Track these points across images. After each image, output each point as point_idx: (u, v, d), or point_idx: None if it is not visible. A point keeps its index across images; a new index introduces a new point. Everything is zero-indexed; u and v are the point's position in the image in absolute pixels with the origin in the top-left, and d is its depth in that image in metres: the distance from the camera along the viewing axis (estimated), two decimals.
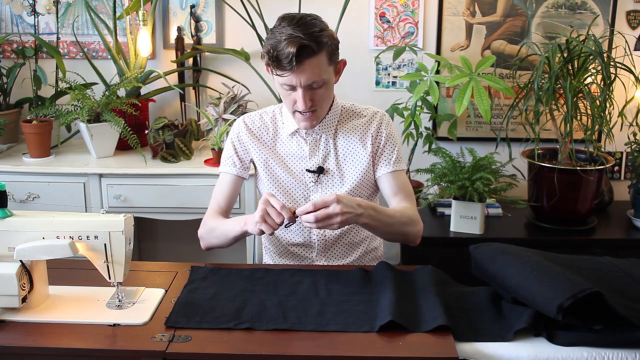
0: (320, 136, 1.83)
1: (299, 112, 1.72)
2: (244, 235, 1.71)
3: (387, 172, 1.84)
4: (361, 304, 1.48)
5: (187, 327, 1.38)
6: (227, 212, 1.90)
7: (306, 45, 1.60)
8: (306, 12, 1.73)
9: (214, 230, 1.80)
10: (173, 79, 2.96)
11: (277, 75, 1.66)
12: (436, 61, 2.74)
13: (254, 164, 1.91)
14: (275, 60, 1.63)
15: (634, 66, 2.51)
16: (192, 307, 1.46)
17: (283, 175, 1.83)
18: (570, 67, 2.47)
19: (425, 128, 2.90)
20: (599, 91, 2.48)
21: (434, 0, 2.89)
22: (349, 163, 1.83)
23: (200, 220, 2.67)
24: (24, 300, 1.43)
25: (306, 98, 1.68)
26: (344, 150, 1.83)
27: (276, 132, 1.86)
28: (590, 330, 1.38)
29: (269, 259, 1.96)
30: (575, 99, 2.45)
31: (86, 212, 2.62)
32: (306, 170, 1.82)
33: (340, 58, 1.75)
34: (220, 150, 2.61)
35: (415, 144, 2.78)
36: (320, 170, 1.81)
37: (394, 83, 2.99)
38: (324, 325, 1.39)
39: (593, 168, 2.52)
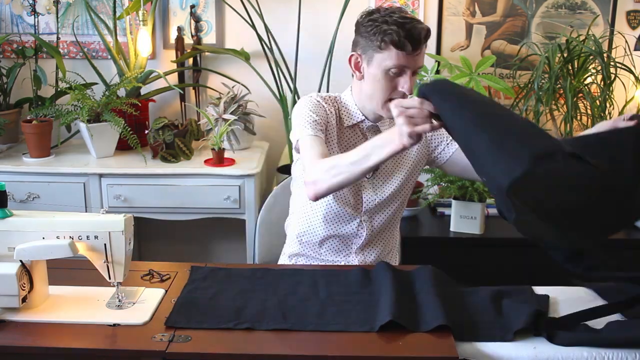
0: (379, 133, 1.80)
1: (394, 98, 1.67)
2: (396, 154, 1.49)
3: (456, 148, 1.84)
4: (361, 304, 1.48)
5: (187, 327, 1.38)
6: None
7: (429, 30, 1.68)
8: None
9: (337, 166, 1.57)
10: (173, 79, 2.96)
11: (404, 54, 1.64)
12: (436, 61, 2.74)
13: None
14: (407, 37, 1.63)
15: (634, 66, 2.51)
16: (192, 307, 1.46)
17: None
18: (570, 67, 2.47)
19: None
20: (599, 91, 2.48)
21: (434, 0, 2.89)
22: (399, 161, 1.85)
23: (200, 220, 2.70)
24: (24, 300, 1.43)
25: (412, 82, 1.70)
26: None
27: (339, 120, 1.83)
28: (591, 330, 1.39)
29: (298, 247, 1.91)
30: (575, 99, 2.45)
31: (86, 212, 2.62)
32: None
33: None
34: (221, 150, 2.61)
35: None
36: (375, 168, 1.79)
37: None
38: (324, 325, 1.39)
39: None
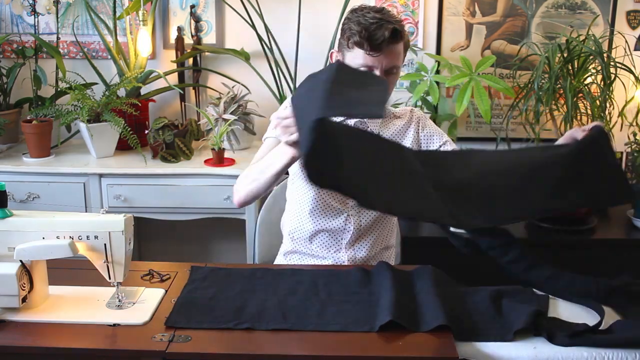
0: (367, 127, 1.85)
1: None
2: (288, 166, 1.59)
3: (449, 145, 1.89)
4: (361, 303, 1.48)
5: (187, 327, 1.38)
6: None
7: (398, 30, 1.70)
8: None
9: (249, 175, 1.70)
10: (173, 79, 2.96)
11: (366, 54, 1.69)
12: (436, 61, 2.74)
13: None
14: (368, 40, 1.68)
15: (634, 66, 2.51)
16: (192, 307, 1.46)
17: None
18: (570, 67, 2.47)
19: None
20: (599, 91, 2.48)
21: (434, 0, 2.89)
22: None
23: (200, 220, 2.69)
24: (24, 300, 1.43)
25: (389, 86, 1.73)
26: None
27: None
28: (590, 330, 1.39)
29: (291, 244, 1.93)
30: (575, 99, 2.45)
31: (86, 212, 2.62)
32: None
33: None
34: (221, 150, 2.61)
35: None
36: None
37: None
38: (324, 325, 1.39)
39: None
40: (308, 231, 1.89)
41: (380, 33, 1.67)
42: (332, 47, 2.68)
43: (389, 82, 1.74)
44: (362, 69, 1.71)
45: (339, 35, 1.81)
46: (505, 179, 1.47)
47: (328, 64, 1.83)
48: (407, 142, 1.89)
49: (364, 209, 1.86)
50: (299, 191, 1.90)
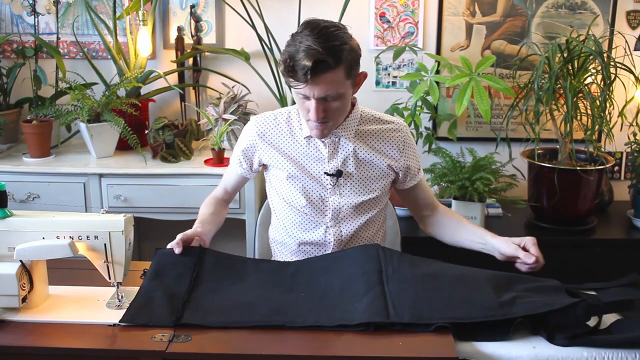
0: (339, 139, 1.81)
1: (313, 122, 1.71)
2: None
3: (415, 183, 1.91)
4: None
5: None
6: (231, 196, 2.04)
7: (322, 60, 1.58)
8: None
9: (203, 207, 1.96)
10: (173, 79, 2.96)
11: (289, 86, 1.67)
12: (436, 61, 2.74)
13: (265, 165, 1.89)
14: (290, 71, 1.61)
15: (634, 66, 2.51)
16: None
17: (301, 177, 1.81)
18: (570, 67, 2.47)
19: (425, 128, 2.90)
20: (599, 91, 2.48)
21: (434, 0, 2.89)
22: (368, 168, 1.83)
23: None
24: (24, 300, 1.43)
25: (319, 110, 1.66)
26: (363, 154, 1.82)
27: (292, 133, 1.83)
28: (591, 330, 1.39)
29: (279, 256, 1.96)
30: (575, 99, 2.45)
31: (86, 212, 2.62)
32: (324, 173, 1.81)
33: (360, 70, 1.73)
34: (221, 150, 2.61)
35: (415, 144, 2.78)
36: (339, 174, 1.80)
37: (394, 83, 2.99)
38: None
39: (593, 168, 2.52)
40: (292, 244, 1.89)
41: (301, 64, 1.57)
42: None
43: (329, 108, 1.67)
44: (299, 95, 1.67)
45: None
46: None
47: None
48: (391, 150, 1.85)
49: (342, 220, 1.84)
50: (277, 206, 1.91)
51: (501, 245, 1.71)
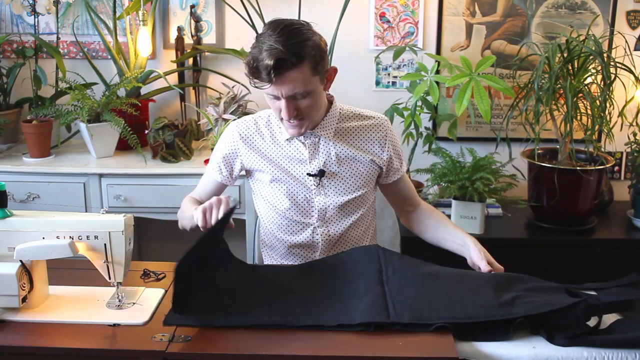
0: (319, 139, 1.81)
1: (288, 121, 1.71)
2: (193, 230, 1.75)
3: (398, 177, 1.91)
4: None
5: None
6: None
7: (284, 59, 1.57)
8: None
9: (184, 211, 1.90)
10: (173, 79, 2.96)
11: (256, 87, 1.66)
12: (436, 61, 2.74)
13: (247, 170, 1.89)
14: (255, 72, 1.61)
15: (634, 66, 2.51)
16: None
17: (285, 179, 1.82)
18: (570, 67, 2.47)
19: (425, 128, 2.90)
20: (599, 91, 2.48)
21: (434, 0, 2.89)
22: (350, 166, 1.83)
23: None
24: (24, 300, 1.43)
25: (290, 108, 1.66)
26: (345, 152, 1.82)
27: (273, 136, 1.83)
28: (591, 330, 1.38)
29: (270, 261, 1.95)
30: (575, 99, 2.45)
31: (86, 212, 2.62)
32: (307, 174, 1.81)
33: (330, 65, 1.73)
34: None
35: (415, 144, 2.78)
36: (321, 174, 1.80)
37: (394, 83, 2.99)
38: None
39: (593, 168, 2.52)
40: (281, 248, 1.88)
41: (264, 64, 1.58)
42: (332, 47, 2.68)
43: (300, 105, 1.67)
44: (269, 96, 1.67)
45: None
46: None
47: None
48: (372, 145, 1.84)
49: (329, 220, 1.83)
50: (263, 211, 1.90)
51: (473, 254, 1.76)
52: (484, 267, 1.69)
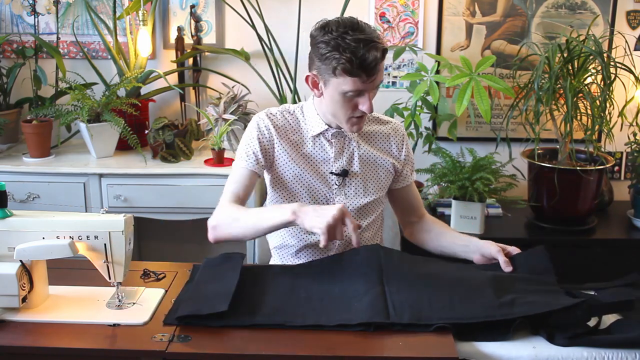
0: (345, 138, 1.82)
1: (357, 117, 1.71)
2: (285, 226, 1.60)
3: (408, 184, 1.92)
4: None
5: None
6: (244, 203, 1.76)
7: (384, 49, 1.63)
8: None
9: (239, 219, 1.65)
10: (173, 79, 2.96)
11: (359, 81, 1.62)
12: (436, 61, 2.74)
13: (271, 162, 1.82)
14: (360, 67, 1.59)
15: (634, 66, 2.51)
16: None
17: (307, 176, 1.80)
18: (570, 67, 2.47)
19: (425, 128, 2.90)
20: (599, 91, 2.48)
21: (434, 0, 2.89)
22: (372, 168, 1.85)
23: (200, 220, 2.69)
24: (24, 300, 1.43)
25: (371, 100, 1.69)
26: (368, 154, 1.84)
27: (300, 132, 1.82)
28: (591, 330, 1.38)
29: (280, 261, 1.92)
30: (575, 99, 2.45)
31: (86, 212, 2.62)
32: (330, 173, 1.81)
33: None
34: (221, 150, 2.61)
35: (415, 144, 2.78)
36: (344, 174, 1.80)
37: (394, 83, 2.99)
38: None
39: (593, 168, 2.52)
40: (293, 247, 1.87)
41: (371, 57, 1.58)
42: None
43: (371, 96, 1.68)
44: (349, 93, 1.65)
45: (314, 57, 1.69)
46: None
47: (309, 84, 1.75)
48: (391, 149, 1.87)
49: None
50: None
51: (484, 245, 1.72)
52: (504, 263, 1.64)
